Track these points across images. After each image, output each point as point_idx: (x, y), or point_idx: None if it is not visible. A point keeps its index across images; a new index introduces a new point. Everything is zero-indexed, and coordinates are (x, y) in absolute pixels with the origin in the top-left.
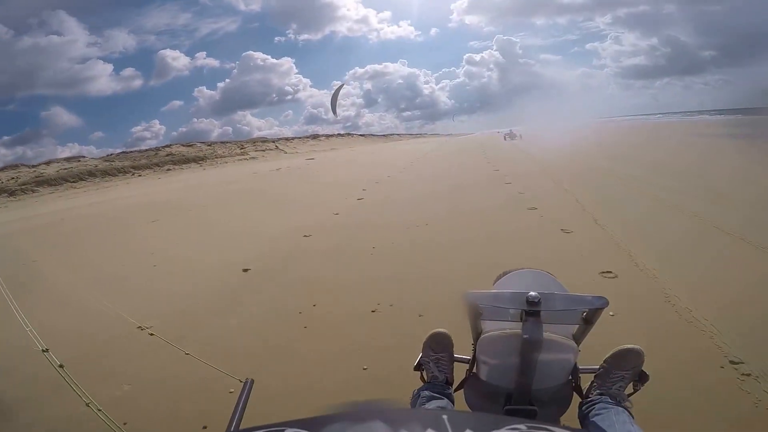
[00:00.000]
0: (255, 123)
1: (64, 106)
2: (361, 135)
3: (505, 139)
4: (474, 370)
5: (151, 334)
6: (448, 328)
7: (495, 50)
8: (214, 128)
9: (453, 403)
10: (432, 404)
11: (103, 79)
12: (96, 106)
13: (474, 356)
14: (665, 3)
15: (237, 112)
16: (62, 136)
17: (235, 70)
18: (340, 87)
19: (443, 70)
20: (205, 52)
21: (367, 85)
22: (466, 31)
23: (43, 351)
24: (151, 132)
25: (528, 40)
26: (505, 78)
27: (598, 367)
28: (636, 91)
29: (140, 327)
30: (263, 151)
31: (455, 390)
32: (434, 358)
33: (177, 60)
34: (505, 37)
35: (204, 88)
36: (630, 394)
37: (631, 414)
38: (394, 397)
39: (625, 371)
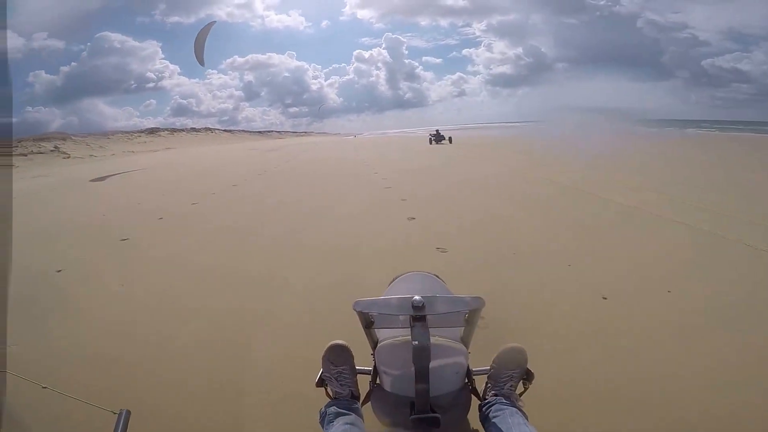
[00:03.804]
0: (109, 113)
1: None
2: (226, 131)
3: (430, 142)
4: (378, 381)
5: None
6: (346, 338)
7: (384, 48)
8: (55, 118)
9: (362, 418)
10: (339, 421)
11: None
12: None
13: (374, 366)
14: (532, 12)
15: (84, 100)
16: None
17: (85, 53)
18: (209, 27)
19: (333, 65)
20: (46, 33)
21: (249, 77)
22: (357, 26)
23: None
24: None
25: (414, 41)
26: (393, 78)
27: (489, 368)
28: (503, 99)
29: None
30: (23, 156)
31: (362, 404)
32: (335, 372)
33: (4, 41)
34: (393, 36)
35: (42, 73)
36: (521, 393)
37: (524, 413)
38: None
39: (513, 370)
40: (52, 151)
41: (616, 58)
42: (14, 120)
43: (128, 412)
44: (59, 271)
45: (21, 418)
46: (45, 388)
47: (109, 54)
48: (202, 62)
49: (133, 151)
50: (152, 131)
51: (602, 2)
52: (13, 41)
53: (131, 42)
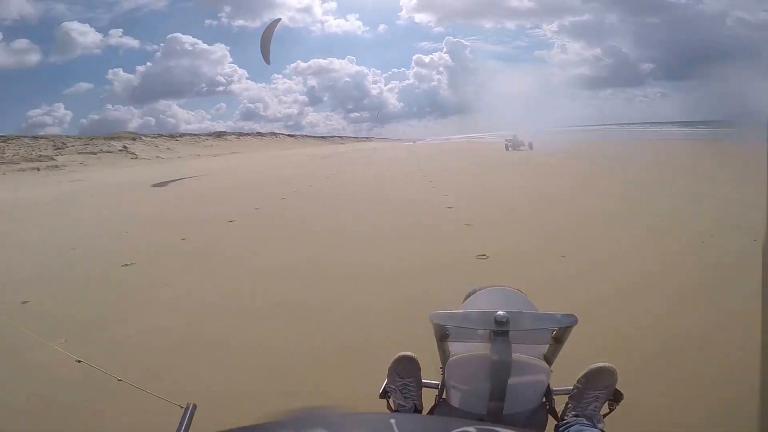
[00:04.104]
0: (182, 115)
1: None
2: (290, 135)
3: (506, 148)
4: (443, 396)
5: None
6: (414, 350)
7: (445, 53)
8: (133, 117)
9: None
10: None
11: None
12: None
13: (443, 381)
14: (607, 12)
15: (160, 101)
16: None
17: (159, 53)
18: (274, 25)
19: (392, 70)
20: (121, 30)
21: (312, 82)
22: (415, 30)
23: None
24: (54, 117)
25: (478, 45)
26: (455, 82)
27: (571, 387)
28: (582, 102)
29: None
30: (93, 154)
31: None
32: (401, 384)
33: (85, 35)
34: (455, 40)
35: (120, 71)
36: (605, 414)
37: None
38: None
39: (599, 390)
40: (120, 150)
41: (707, 56)
42: (96, 117)
43: (194, 406)
44: None
45: (93, 407)
46: (120, 380)
47: (181, 56)
48: (267, 60)
49: (199, 155)
50: (219, 135)
51: (683, 1)
52: (91, 37)
53: (201, 45)
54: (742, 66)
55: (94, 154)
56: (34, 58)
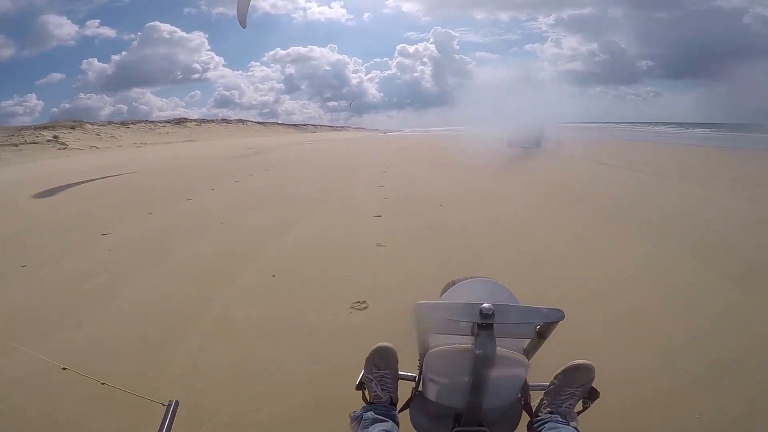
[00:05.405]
0: (156, 102)
1: None
2: (258, 123)
3: (509, 145)
4: (420, 389)
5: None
6: (390, 341)
7: (431, 43)
8: (105, 106)
9: (398, 425)
10: (376, 427)
11: None
12: None
13: (420, 373)
14: (612, 6)
15: (133, 89)
16: None
17: (136, 42)
18: None
19: (374, 59)
20: (98, 20)
21: (290, 70)
22: (402, 19)
23: None
24: (26, 107)
25: (467, 36)
26: (439, 74)
27: (548, 384)
28: (569, 99)
29: None
30: (14, 146)
31: (400, 410)
32: (378, 375)
33: (61, 27)
34: (443, 30)
35: (95, 61)
36: (579, 412)
37: None
38: None
39: (576, 388)
40: (49, 141)
41: (719, 55)
42: (68, 106)
43: (177, 403)
44: None
45: (79, 412)
46: (104, 384)
47: (158, 44)
48: (244, 24)
49: (145, 143)
50: (179, 122)
51: None
52: (67, 28)
53: (179, 33)
54: (761, 65)
55: (16, 146)
56: (7, 52)
